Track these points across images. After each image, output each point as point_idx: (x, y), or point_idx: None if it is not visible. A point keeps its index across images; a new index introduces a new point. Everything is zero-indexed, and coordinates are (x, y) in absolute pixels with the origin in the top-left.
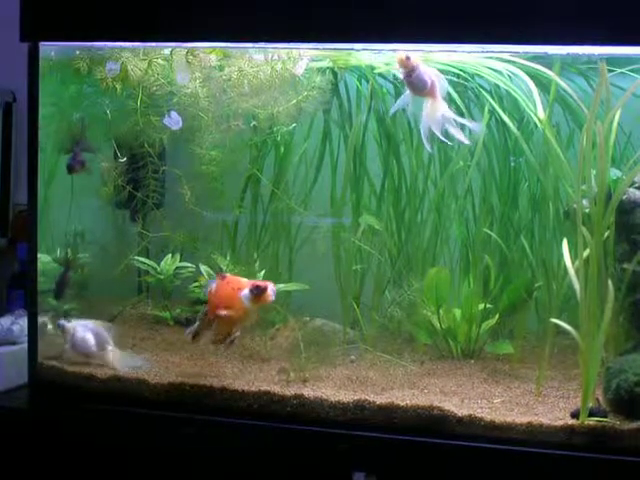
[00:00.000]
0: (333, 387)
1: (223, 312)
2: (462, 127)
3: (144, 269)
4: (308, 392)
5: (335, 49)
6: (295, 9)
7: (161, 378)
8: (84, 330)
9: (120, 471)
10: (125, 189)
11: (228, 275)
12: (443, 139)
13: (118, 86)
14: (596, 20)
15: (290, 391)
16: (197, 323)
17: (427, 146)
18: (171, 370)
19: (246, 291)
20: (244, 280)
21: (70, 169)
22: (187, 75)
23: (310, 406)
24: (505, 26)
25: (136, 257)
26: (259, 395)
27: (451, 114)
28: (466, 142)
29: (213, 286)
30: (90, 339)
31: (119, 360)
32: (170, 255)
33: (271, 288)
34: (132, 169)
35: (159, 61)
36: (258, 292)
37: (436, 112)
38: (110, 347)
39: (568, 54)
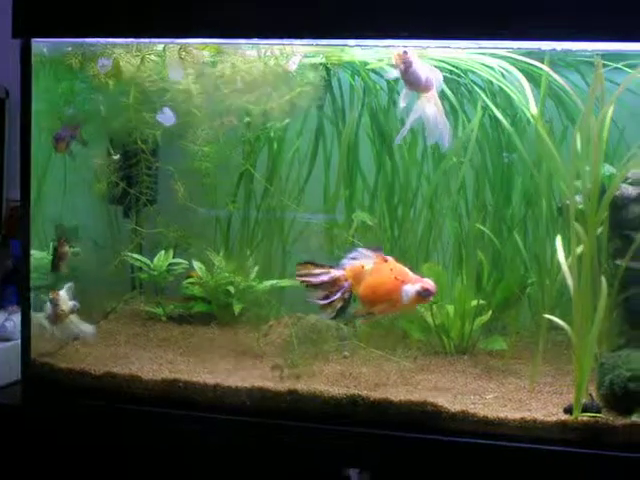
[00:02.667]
0: (326, 383)
1: (379, 307)
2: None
3: (137, 265)
4: (302, 388)
5: (328, 45)
6: (288, 5)
7: (154, 374)
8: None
9: (113, 468)
10: (118, 185)
11: (390, 258)
12: (432, 136)
13: (111, 82)
14: (591, 16)
15: (284, 387)
16: (337, 298)
17: (398, 139)
18: (164, 366)
19: (411, 288)
20: (410, 273)
21: (56, 142)
22: (180, 71)
23: (304, 402)
24: (500, 21)
25: (129, 253)
26: (253, 391)
27: (442, 112)
28: (446, 145)
29: (368, 263)
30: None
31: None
32: (163, 251)
33: (433, 291)
34: (125, 165)
35: (152, 57)
36: (425, 295)
37: (429, 107)
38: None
39: (562, 50)
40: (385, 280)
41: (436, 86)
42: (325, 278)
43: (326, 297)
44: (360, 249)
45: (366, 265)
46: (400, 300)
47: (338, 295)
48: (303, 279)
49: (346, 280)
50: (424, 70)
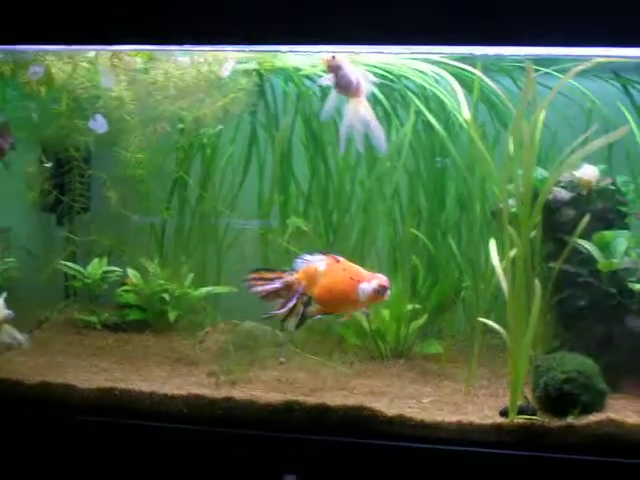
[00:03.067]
0: (263, 389)
1: (336, 307)
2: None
3: (71, 273)
4: (238, 394)
5: (261, 51)
6: (219, 11)
7: (90, 383)
8: None
9: (49, 478)
10: (51, 193)
11: (342, 259)
12: (361, 141)
13: (43, 89)
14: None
15: (220, 394)
16: (294, 303)
17: (342, 147)
18: (100, 375)
19: (367, 286)
20: (363, 271)
21: None
22: (112, 78)
23: (240, 408)
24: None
25: (63, 261)
26: (189, 398)
27: (373, 117)
28: (383, 149)
29: (320, 265)
30: None
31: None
32: (97, 259)
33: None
34: (58, 173)
35: (84, 64)
36: (382, 291)
37: (359, 112)
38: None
39: (494, 54)
40: (340, 280)
41: (369, 89)
42: (278, 285)
43: (283, 305)
44: (309, 256)
45: (319, 267)
46: (357, 299)
47: (294, 301)
48: (256, 290)
49: (300, 284)
50: (355, 74)
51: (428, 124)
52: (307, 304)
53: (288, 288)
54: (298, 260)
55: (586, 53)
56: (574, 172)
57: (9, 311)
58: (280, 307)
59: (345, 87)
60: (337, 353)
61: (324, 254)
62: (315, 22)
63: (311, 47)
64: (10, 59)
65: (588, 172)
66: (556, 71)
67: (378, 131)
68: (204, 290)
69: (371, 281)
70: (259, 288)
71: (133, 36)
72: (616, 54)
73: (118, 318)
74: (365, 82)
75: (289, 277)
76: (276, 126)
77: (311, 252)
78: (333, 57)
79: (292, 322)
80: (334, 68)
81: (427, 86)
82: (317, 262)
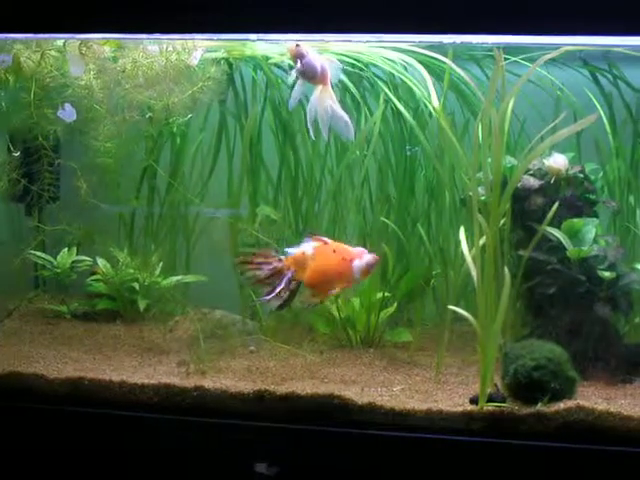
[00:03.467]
0: (233, 378)
1: (336, 288)
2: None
3: (40, 263)
4: (208, 384)
5: (230, 40)
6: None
7: (59, 372)
8: None
9: (19, 468)
10: (20, 183)
11: (329, 240)
12: (325, 129)
13: (11, 78)
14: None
15: (190, 383)
16: (281, 289)
17: (312, 133)
18: (70, 365)
19: (360, 263)
20: (351, 249)
21: None
22: (81, 67)
23: (210, 398)
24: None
25: (32, 251)
26: (159, 388)
27: (338, 104)
28: (350, 137)
29: (307, 249)
30: None
31: None
32: (67, 249)
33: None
34: (27, 162)
35: (52, 53)
36: (372, 266)
37: (325, 99)
38: None
39: (462, 42)
40: (332, 262)
41: (336, 76)
42: (266, 271)
43: (271, 292)
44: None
45: (307, 251)
46: (352, 277)
47: (282, 285)
48: (246, 276)
49: (288, 269)
50: (319, 61)
51: (398, 112)
52: (294, 290)
53: (277, 274)
54: (288, 250)
55: (555, 42)
56: (544, 160)
57: None
58: (267, 294)
59: (310, 75)
60: (307, 342)
61: (311, 237)
62: (284, 11)
63: (280, 35)
64: None
65: (558, 160)
66: (525, 60)
67: (343, 119)
68: (174, 279)
69: (362, 257)
70: (249, 274)
71: (102, 24)
72: (584, 42)
73: (88, 308)
74: (331, 69)
75: (277, 263)
76: (245, 114)
77: (300, 241)
78: (297, 45)
79: (275, 303)
80: (298, 56)
81: (396, 74)
82: (304, 247)
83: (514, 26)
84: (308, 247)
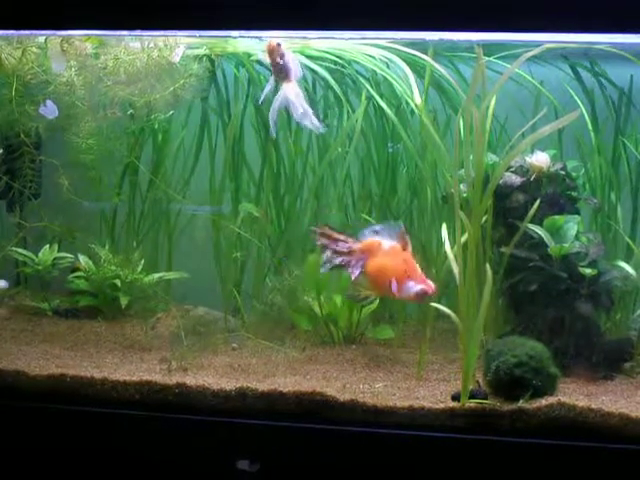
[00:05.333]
0: (215, 375)
1: (377, 287)
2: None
3: (22, 260)
4: (190, 381)
5: (212, 36)
6: None
7: (41, 370)
8: None
9: (1, 466)
10: (1, 179)
11: (409, 249)
12: (298, 119)
13: None
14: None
15: (172, 380)
16: (357, 273)
17: (273, 129)
18: (51, 361)
19: (413, 286)
20: (418, 271)
21: None
22: (62, 63)
23: (192, 395)
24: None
25: (13, 248)
26: (141, 385)
27: (303, 100)
28: (320, 129)
29: (386, 242)
30: None
31: None
32: (48, 245)
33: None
34: (8, 159)
35: (33, 49)
36: (422, 296)
37: (291, 94)
38: None
39: (441, 39)
40: (394, 267)
41: (300, 72)
42: (343, 248)
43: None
44: (385, 226)
45: (383, 244)
46: (400, 292)
47: (358, 270)
48: (322, 242)
49: (362, 253)
50: (295, 61)
51: (380, 109)
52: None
53: (348, 253)
54: (367, 230)
55: (537, 39)
56: (526, 157)
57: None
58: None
59: (285, 74)
60: (289, 339)
61: (400, 232)
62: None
63: (262, 32)
64: None
65: (540, 158)
66: (507, 57)
67: (308, 114)
68: (156, 276)
69: (419, 284)
70: (325, 241)
71: (83, 21)
72: (566, 40)
73: (69, 305)
74: (295, 66)
75: (353, 245)
76: (227, 111)
77: (385, 223)
78: (279, 44)
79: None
80: (279, 54)
81: (378, 71)
82: (384, 239)
83: (497, 23)
84: (387, 241)
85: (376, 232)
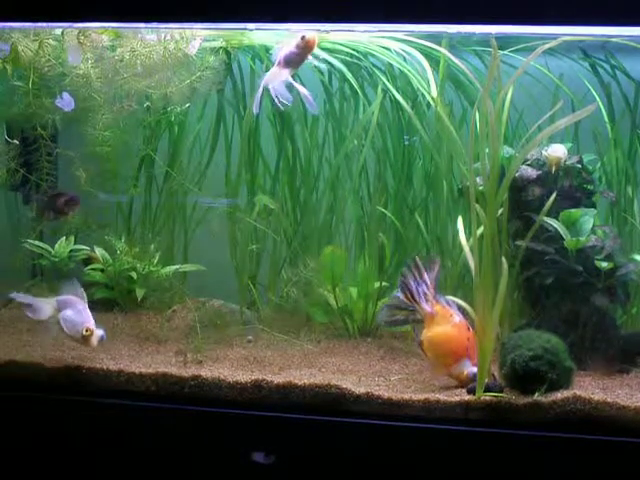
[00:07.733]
0: (230, 367)
1: (431, 355)
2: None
3: (38, 252)
4: (206, 373)
5: (228, 29)
6: None
7: (57, 362)
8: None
9: (21, 457)
10: (18, 172)
11: (472, 331)
12: (280, 100)
13: (9, 67)
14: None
15: (188, 372)
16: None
17: (255, 109)
18: (67, 353)
19: (466, 367)
20: (476, 355)
21: None
22: (79, 56)
23: (208, 387)
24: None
25: (30, 240)
26: (157, 377)
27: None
28: (314, 109)
29: (456, 318)
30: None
31: None
32: (64, 238)
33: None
34: (25, 152)
35: (50, 42)
36: (470, 380)
37: (279, 76)
38: None
39: (458, 32)
40: (458, 342)
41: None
42: (414, 309)
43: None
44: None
45: (454, 318)
46: (450, 366)
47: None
48: (404, 281)
49: (426, 317)
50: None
51: (396, 102)
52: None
53: (418, 313)
54: (444, 299)
55: (554, 32)
56: (542, 150)
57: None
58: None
59: (298, 63)
60: (305, 331)
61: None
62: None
63: (279, 25)
64: None
65: (556, 151)
66: (524, 50)
67: (302, 92)
68: (172, 268)
69: (474, 366)
70: (407, 281)
71: (100, 13)
72: (583, 33)
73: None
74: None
75: (427, 309)
76: (244, 104)
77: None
78: (303, 37)
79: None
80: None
81: (395, 64)
82: (456, 311)
83: (513, 16)
84: (458, 316)
85: (448, 303)
